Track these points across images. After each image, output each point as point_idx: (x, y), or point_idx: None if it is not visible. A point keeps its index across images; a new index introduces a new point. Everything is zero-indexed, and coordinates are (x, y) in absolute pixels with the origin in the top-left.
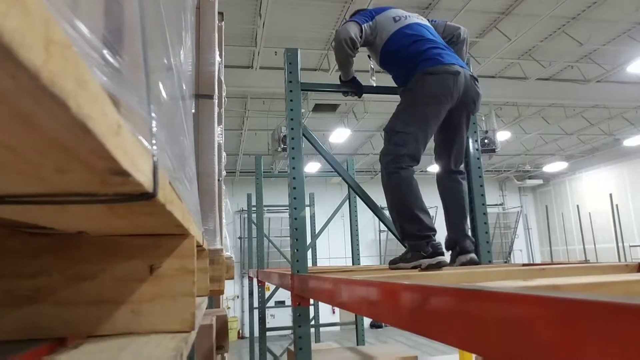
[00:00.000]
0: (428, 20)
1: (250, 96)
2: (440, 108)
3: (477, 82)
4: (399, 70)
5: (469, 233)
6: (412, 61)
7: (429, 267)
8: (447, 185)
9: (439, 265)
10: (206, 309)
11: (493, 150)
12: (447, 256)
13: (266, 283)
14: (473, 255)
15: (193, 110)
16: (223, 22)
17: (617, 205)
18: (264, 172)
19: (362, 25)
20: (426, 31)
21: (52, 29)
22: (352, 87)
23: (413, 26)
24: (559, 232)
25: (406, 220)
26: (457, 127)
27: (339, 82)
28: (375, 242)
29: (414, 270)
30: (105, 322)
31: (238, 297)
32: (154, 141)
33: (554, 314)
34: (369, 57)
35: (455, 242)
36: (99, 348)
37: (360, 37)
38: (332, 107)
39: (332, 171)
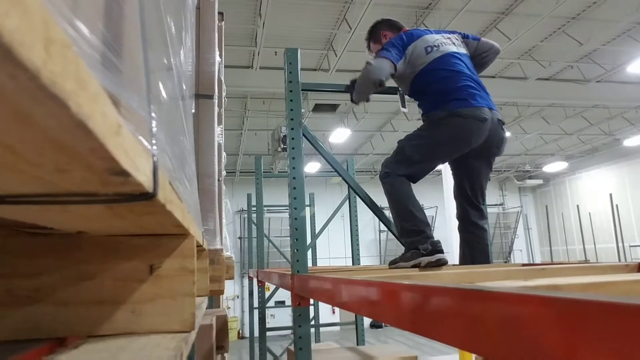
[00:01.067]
0: (461, 35)
1: (250, 96)
2: (455, 150)
3: (504, 125)
4: (428, 102)
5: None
6: (442, 97)
7: (429, 265)
8: (473, 232)
9: (439, 263)
10: (206, 309)
11: None
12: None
13: (266, 283)
14: None
15: (193, 110)
16: (223, 22)
17: (617, 205)
18: (264, 172)
19: (397, 65)
20: (461, 63)
21: (52, 29)
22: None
23: (446, 59)
24: (559, 232)
25: (401, 218)
26: (472, 171)
27: (341, 84)
28: (375, 242)
29: (414, 270)
30: (105, 322)
31: (238, 297)
32: (154, 141)
33: (554, 314)
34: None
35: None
36: (99, 348)
37: (392, 75)
38: (332, 107)
39: (332, 171)
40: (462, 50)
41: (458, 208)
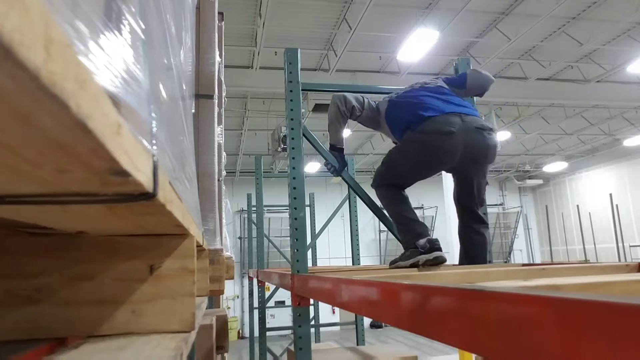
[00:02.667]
0: (442, 80)
1: (250, 96)
2: (430, 166)
3: (491, 130)
4: (398, 131)
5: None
6: (406, 120)
7: (427, 263)
8: (471, 237)
9: (437, 261)
10: (206, 309)
11: None
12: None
13: (266, 283)
14: None
15: (193, 110)
16: (223, 22)
17: (617, 205)
18: (264, 172)
19: (356, 104)
20: (423, 91)
21: (52, 29)
22: (337, 157)
23: (408, 91)
24: (559, 232)
25: (397, 221)
26: (463, 181)
27: (341, 84)
28: (375, 242)
29: (414, 270)
30: (105, 322)
31: (238, 297)
32: (154, 141)
33: (554, 314)
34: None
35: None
36: (99, 348)
37: (357, 107)
38: None
39: None
40: (432, 84)
41: (457, 214)
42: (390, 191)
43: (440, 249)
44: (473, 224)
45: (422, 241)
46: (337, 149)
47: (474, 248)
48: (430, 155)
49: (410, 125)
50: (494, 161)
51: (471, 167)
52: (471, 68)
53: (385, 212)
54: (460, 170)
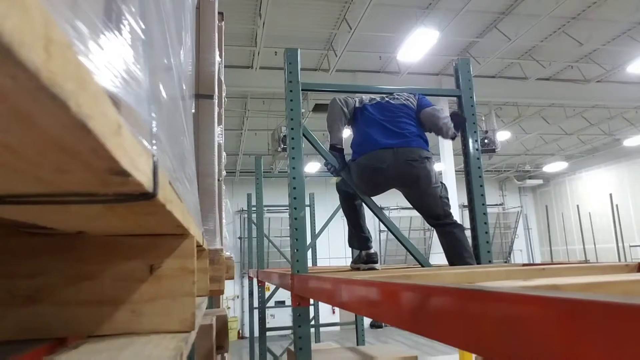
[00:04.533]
0: (414, 96)
1: (250, 96)
2: (368, 188)
3: (421, 160)
4: (352, 149)
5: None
6: (354, 147)
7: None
8: (439, 236)
9: (371, 268)
10: (206, 309)
11: (493, 150)
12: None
13: (266, 283)
14: None
15: (193, 110)
16: (223, 22)
17: (617, 205)
18: (264, 172)
19: (355, 105)
20: (374, 114)
21: (52, 29)
22: (337, 157)
23: (363, 111)
24: (559, 232)
25: (349, 224)
26: (409, 200)
27: (341, 84)
28: (375, 242)
29: (414, 270)
30: (105, 322)
31: (238, 297)
32: (154, 141)
33: (554, 314)
34: None
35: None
36: (99, 348)
37: (356, 107)
38: None
39: None
40: (396, 101)
41: None
42: (346, 199)
43: (375, 262)
44: (438, 228)
45: (363, 253)
46: (337, 149)
47: (445, 247)
48: (367, 182)
49: (355, 155)
50: (430, 185)
51: (408, 191)
52: (433, 107)
53: (387, 210)
54: (402, 193)
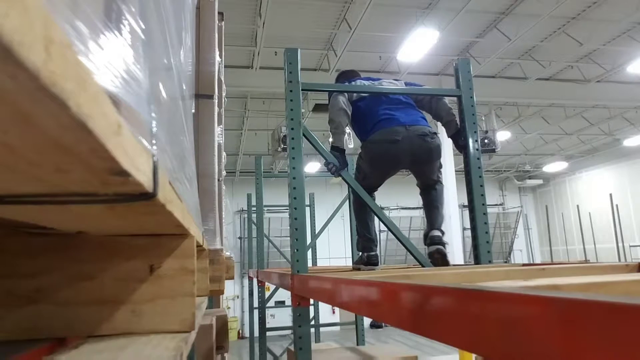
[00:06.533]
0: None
1: (250, 96)
2: (384, 167)
3: (431, 136)
4: (358, 133)
5: (440, 227)
6: (363, 128)
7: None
8: (423, 195)
9: (371, 269)
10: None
11: (493, 150)
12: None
13: (266, 283)
14: (439, 247)
15: (193, 110)
16: (223, 22)
17: (617, 205)
18: (264, 172)
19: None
20: (383, 103)
21: (52, 29)
22: (337, 157)
23: (370, 96)
24: (559, 232)
25: (357, 225)
26: (418, 174)
27: (341, 84)
28: None
29: (414, 270)
30: (105, 322)
31: (238, 297)
32: (154, 141)
33: (554, 314)
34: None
35: (426, 236)
36: (99, 348)
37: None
38: None
39: None
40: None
41: (420, 191)
42: (359, 201)
43: (376, 264)
44: (427, 189)
45: (364, 255)
46: (338, 149)
47: (426, 202)
48: (380, 159)
49: (367, 136)
50: (440, 157)
51: (421, 166)
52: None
53: (388, 210)
54: (413, 169)
